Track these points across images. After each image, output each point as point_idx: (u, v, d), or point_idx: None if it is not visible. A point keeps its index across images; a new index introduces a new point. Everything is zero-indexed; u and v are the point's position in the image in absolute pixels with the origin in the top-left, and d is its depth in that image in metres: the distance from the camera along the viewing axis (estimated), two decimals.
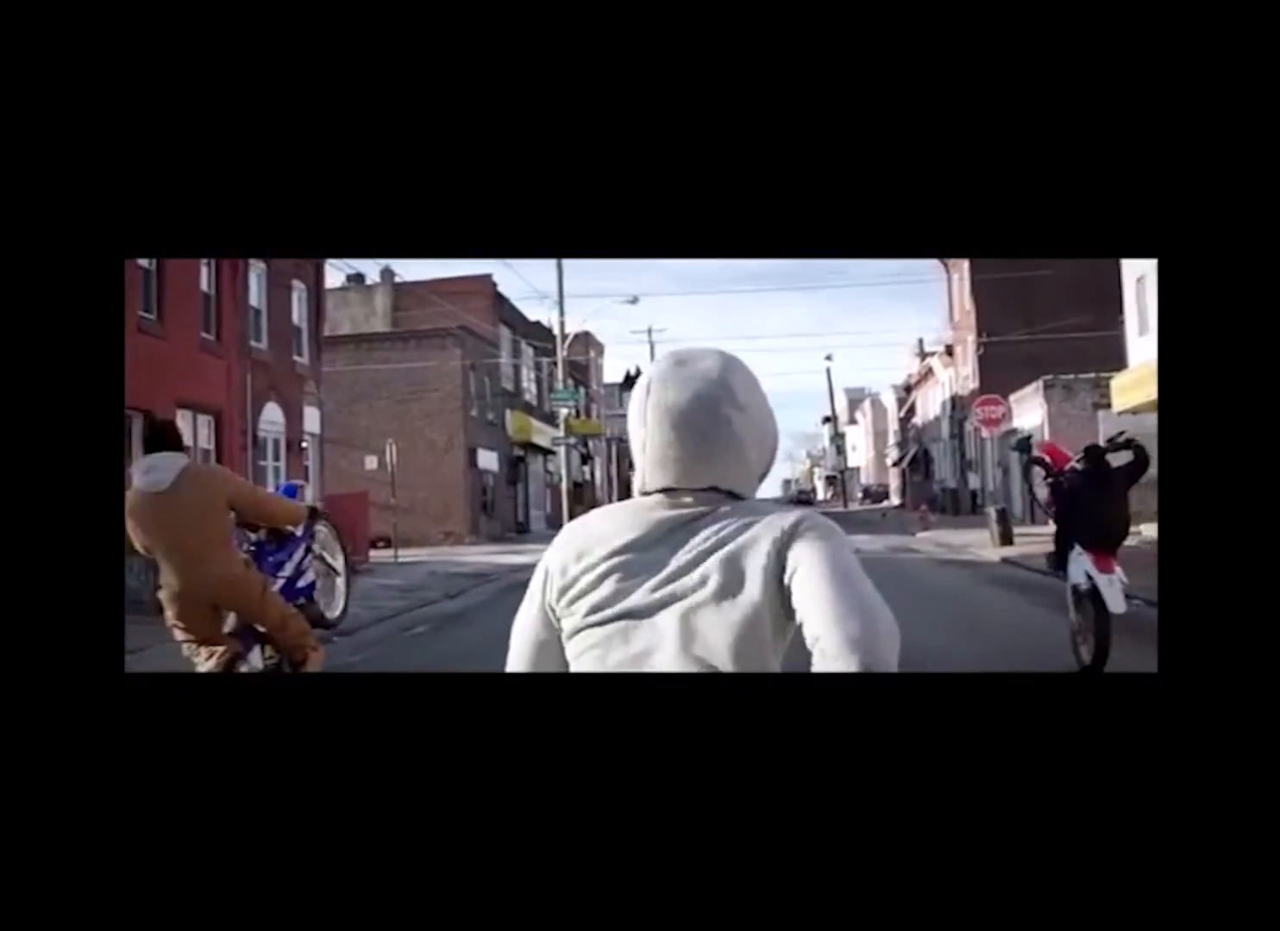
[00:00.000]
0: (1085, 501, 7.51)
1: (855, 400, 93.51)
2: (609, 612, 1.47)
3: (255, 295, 19.21)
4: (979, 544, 23.30)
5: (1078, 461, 7.81)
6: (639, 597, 1.46)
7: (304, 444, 21.48)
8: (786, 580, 1.42)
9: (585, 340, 51.93)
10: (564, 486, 30.97)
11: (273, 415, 20.14)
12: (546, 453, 39.32)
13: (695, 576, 1.45)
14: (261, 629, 4.72)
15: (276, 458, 20.48)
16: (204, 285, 17.29)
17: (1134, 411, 20.74)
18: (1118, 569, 7.21)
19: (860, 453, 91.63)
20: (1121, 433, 8.12)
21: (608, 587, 1.48)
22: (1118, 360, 26.22)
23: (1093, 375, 29.00)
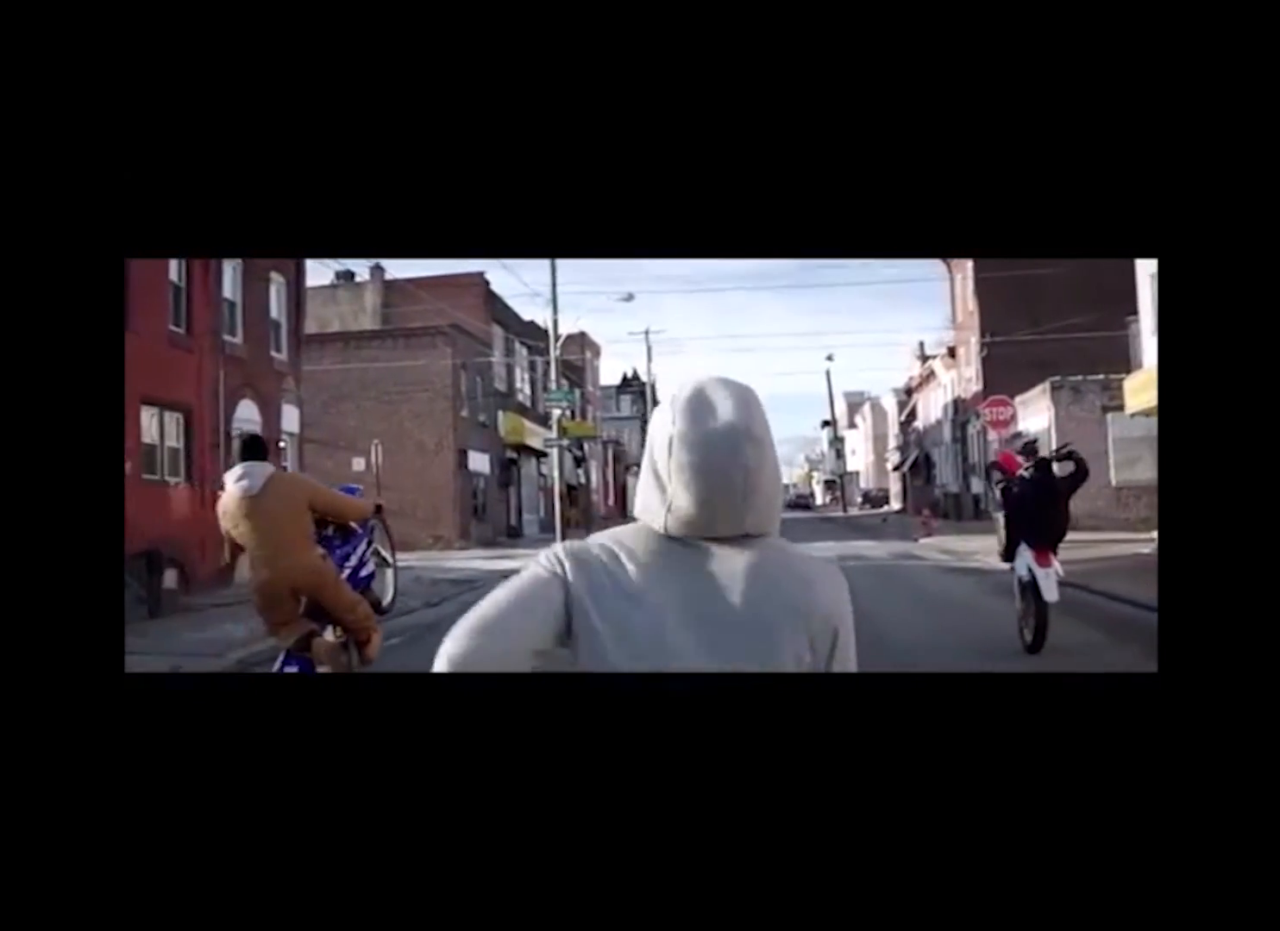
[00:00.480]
0: (1030, 505, 8.86)
1: (855, 404, 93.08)
2: (639, 650, 1.45)
3: (230, 287, 18.39)
4: (985, 551, 22.39)
5: (1025, 470, 9.07)
6: (672, 639, 1.45)
7: (281, 443, 20.49)
8: (810, 627, 1.47)
9: (581, 341, 51.19)
10: (556, 490, 30.03)
11: (248, 413, 19.22)
12: (540, 455, 38.55)
13: (728, 613, 1.46)
14: (333, 612, 5.48)
15: None
16: (174, 276, 16.33)
17: (1147, 413, 19.80)
18: (1054, 563, 8.59)
19: (860, 457, 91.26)
20: (1066, 445, 9.61)
21: (642, 628, 1.46)
22: (1124, 361, 25.96)
23: (1102, 376, 28.39)
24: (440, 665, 1.45)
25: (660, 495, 1.51)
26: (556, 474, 30.36)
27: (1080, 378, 28.44)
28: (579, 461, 47.69)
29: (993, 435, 24.10)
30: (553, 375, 30.97)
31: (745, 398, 1.51)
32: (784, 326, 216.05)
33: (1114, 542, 19.86)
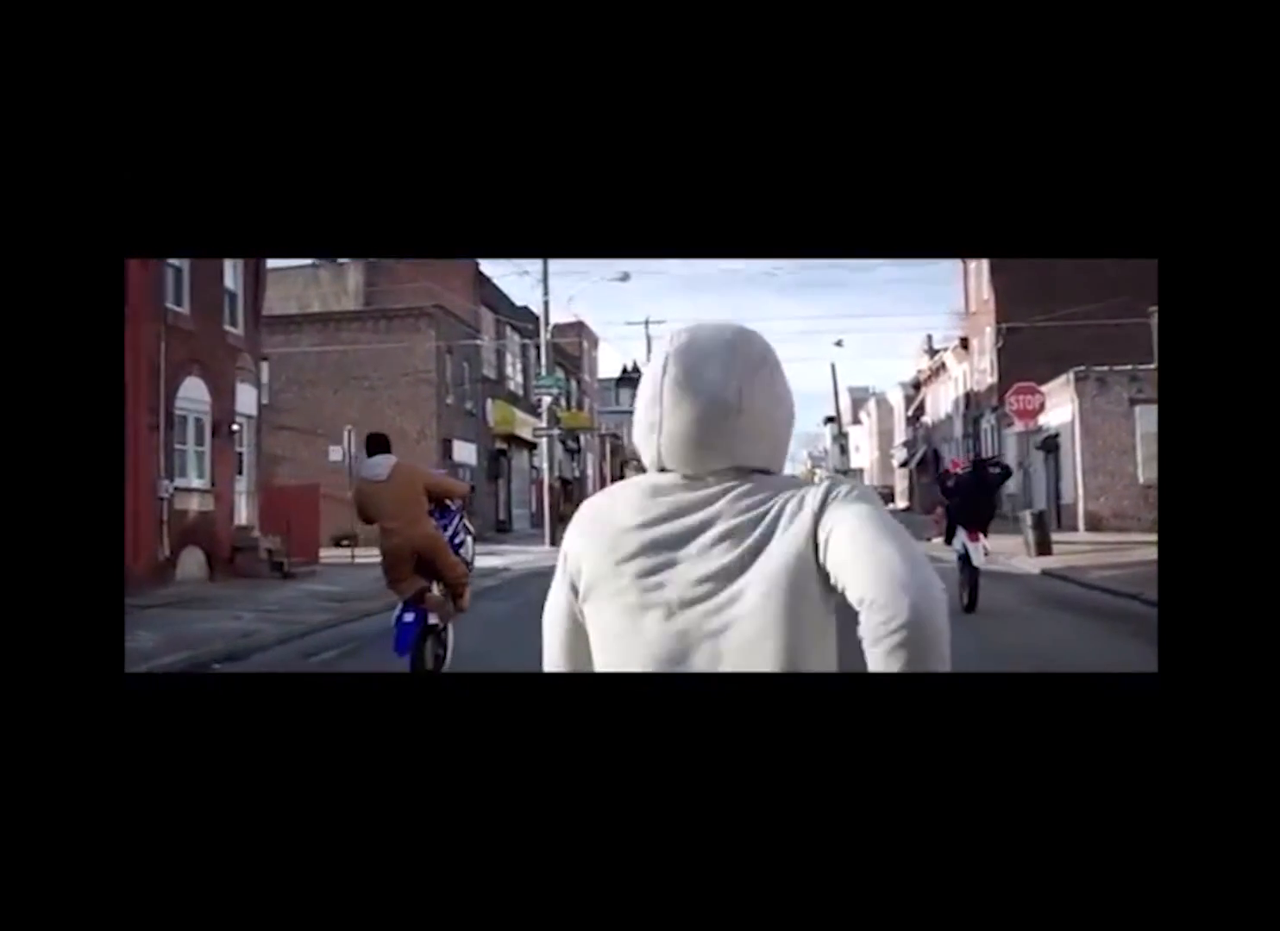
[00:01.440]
0: (967, 495, 12.12)
1: (859, 399, 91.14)
2: (647, 603, 1.47)
3: None
4: (1008, 552, 20.51)
5: (963, 469, 12.86)
6: (676, 591, 1.46)
7: (235, 427, 18.52)
8: (822, 552, 1.43)
9: (579, 331, 49.30)
10: (546, 482, 28.08)
11: (194, 392, 17.33)
12: (531, 446, 36.53)
13: (732, 562, 1.45)
14: (440, 571, 7.34)
15: (199, 441, 17.46)
16: None
17: None
18: (981, 539, 11.84)
19: (864, 454, 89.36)
20: (995, 457, 13.38)
21: (644, 582, 1.47)
22: (1146, 351, 25.13)
23: (1129, 367, 26.43)
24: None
25: (652, 424, 1.52)
26: (546, 466, 28.41)
27: (1106, 368, 27.25)
28: (573, 454, 45.76)
29: (1019, 425, 22.06)
30: (542, 359, 28.92)
31: (744, 331, 1.55)
32: (786, 322, 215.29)
33: (1148, 545, 17.88)
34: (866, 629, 1.33)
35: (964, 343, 42.24)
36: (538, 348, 32.80)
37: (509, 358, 38.19)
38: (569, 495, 42.64)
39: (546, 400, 27.79)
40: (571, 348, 47.05)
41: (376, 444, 7.58)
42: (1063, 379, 27.95)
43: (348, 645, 10.90)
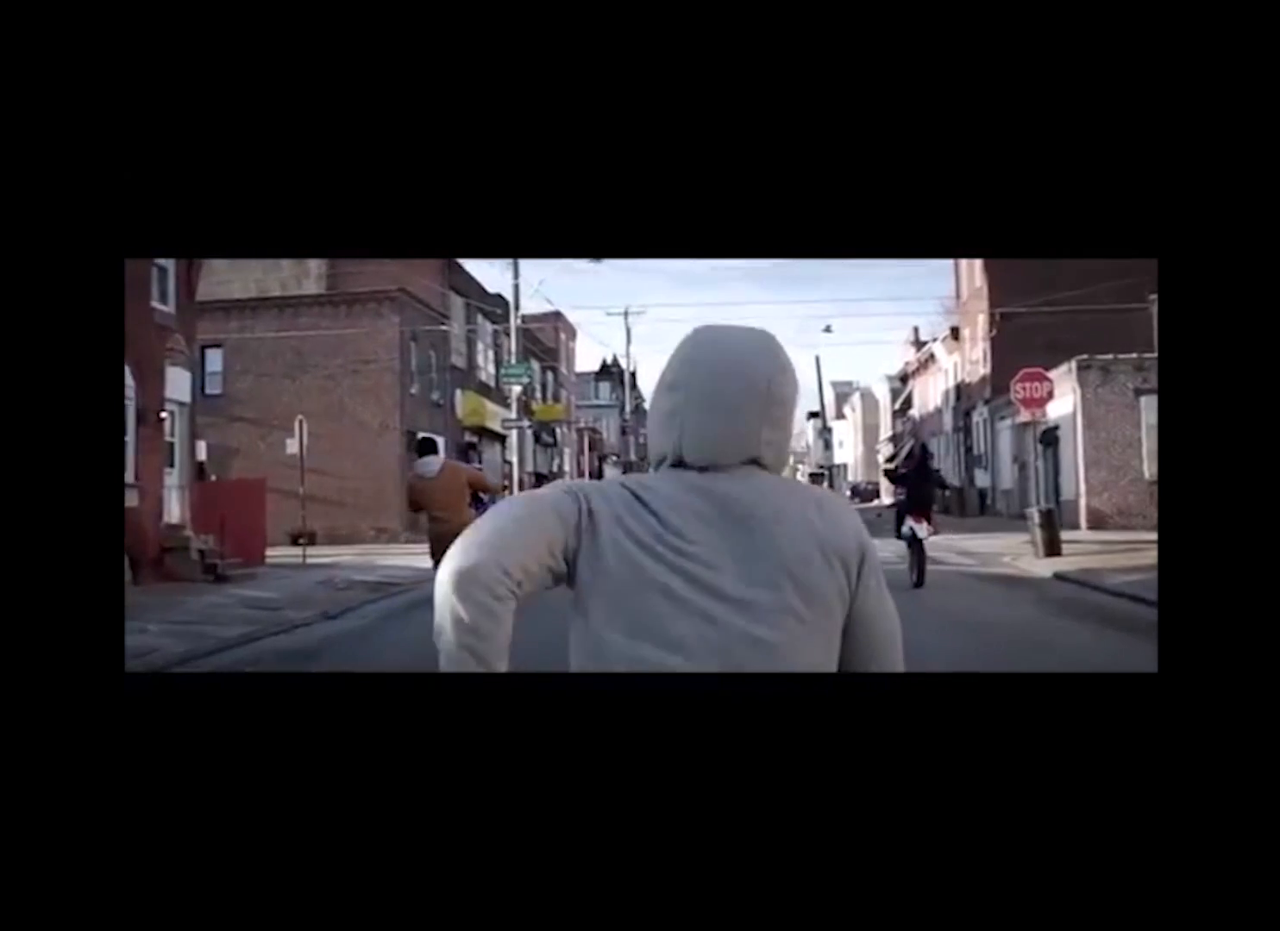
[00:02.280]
0: (913, 484, 14.50)
1: (843, 394, 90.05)
2: (672, 588, 1.45)
3: None
4: (1010, 552, 19.08)
5: (904, 463, 15.02)
6: (710, 582, 1.46)
7: (164, 415, 16.75)
8: (854, 602, 1.54)
9: (555, 321, 47.50)
10: (515, 476, 26.33)
11: None
12: (504, 439, 34.68)
13: (774, 571, 1.47)
14: None
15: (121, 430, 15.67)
16: None
17: None
18: (924, 522, 13.98)
19: (848, 449, 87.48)
20: (934, 461, 16.33)
21: (673, 564, 1.46)
22: (1149, 340, 24.16)
23: (1134, 356, 25.01)
24: (444, 584, 1.43)
25: (673, 419, 1.53)
26: (516, 460, 26.62)
27: (1111, 357, 25.98)
28: (549, 448, 43.98)
29: (1025, 415, 20.39)
30: (512, 346, 27.13)
31: (763, 332, 1.59)
32: (770, 310, 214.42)
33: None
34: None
35: (954, 333, 40.98)
36: (510, 335, 31.17)
37: (480, 346, 36.87)
38: None
39: (516, 389, 25.98)
40: (548, 338, 45.31)
41: (426, 446, 9.72)
42: (1064, 368, 26.80)
43: (259, 664, 9.57)
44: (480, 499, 9.48)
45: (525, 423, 27.11)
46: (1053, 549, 17.98)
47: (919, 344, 51.60)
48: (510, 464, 36.17)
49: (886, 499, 60.56)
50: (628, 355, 50.18)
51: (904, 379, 56.56)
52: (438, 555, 8.56)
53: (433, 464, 9.21)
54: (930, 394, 48.59)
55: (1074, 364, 26.44)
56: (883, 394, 69.88)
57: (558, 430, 46.26)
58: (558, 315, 47.82)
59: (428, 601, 1.52)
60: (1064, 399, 26.52)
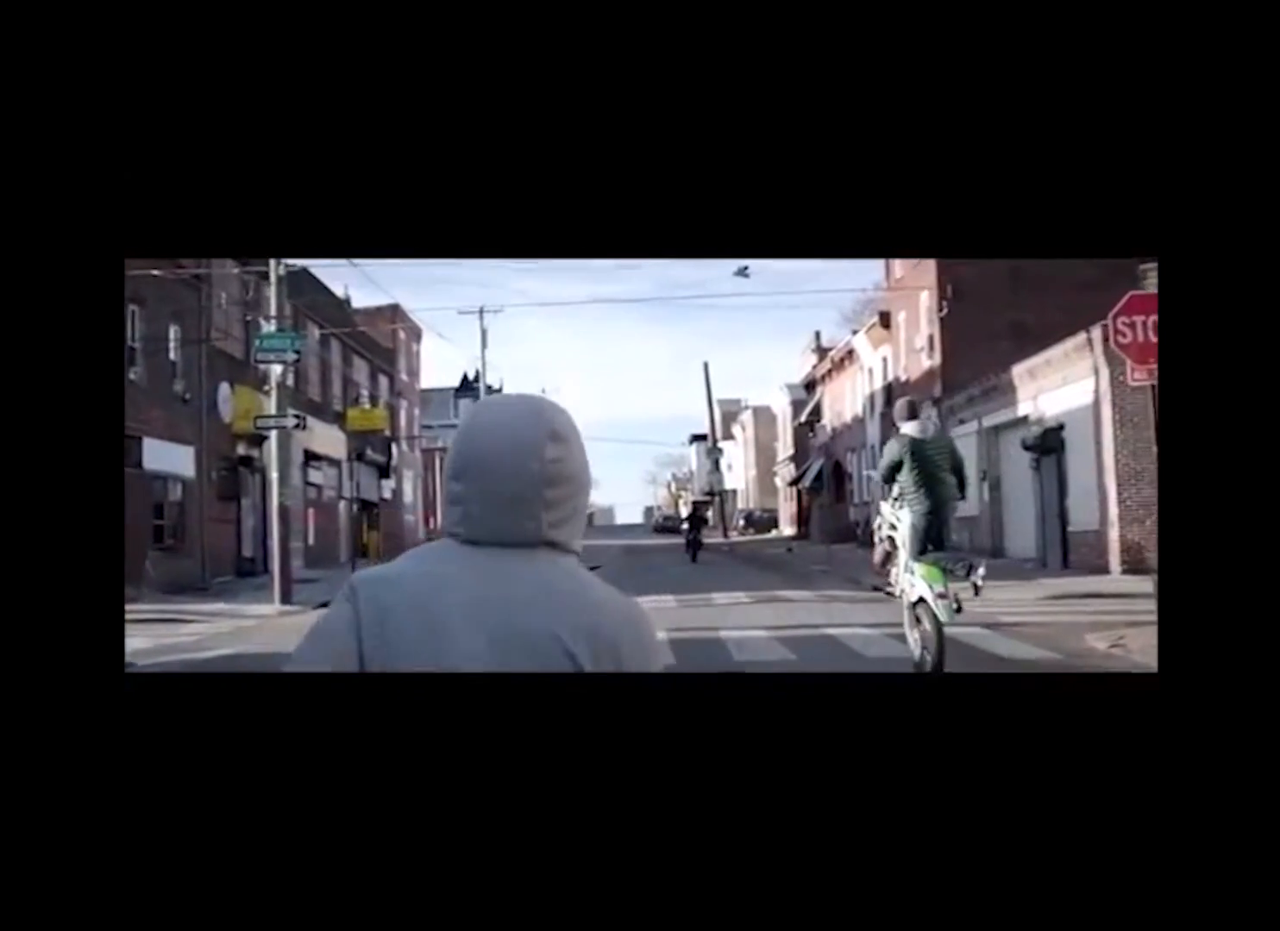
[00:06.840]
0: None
1: (730, 413, 75.31)
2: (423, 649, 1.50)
3: None
4: (1019, 602, 13.44)
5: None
6: (462, 643, 1.49)
7: None
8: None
9: (393, 315, 38.73)
10: (273, 505, 18.02)
11: None
12: (311, 458, 26.34)
13: (518, 631, 1.50)
14: None
15: None
16: None
17: None
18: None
19: (738, 473, 76.14)
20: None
21: (447, 654, 1.50)
22: None
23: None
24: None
25: (456, 509, 1.56)
26: (276, 475, 18.13)
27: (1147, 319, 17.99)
28: (382, 470, 35.29)
29: (1140, 375, 11.05)
30: (272, 307, 18.47)
31: (546, 402, 1.62)
32: (651, 346, 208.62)
33: None
34: None
35: (884, 319, 33.08)
36: (335, 336, 25.27)
37: (265, 328, 26.91)
38: (374, 523, 32.90)
39: (276, 370, 17.46)
40: (383, 337, 36.92)
41: None
42: (1073, 342, 18.68)
43: None
44: None
45: (290, 422, 18.39)
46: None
47: (821, 350, 44.70)
48: (321, 487, 27.92)
49: (788, 528, 52.00)
50: (482, 361, 40.44)
51: (809, 387, 48.16)
52: None
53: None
54: (846, 401, 39.88)
55: (1097, 333, 17.14)
56: (781, 407, 58.62)
57: (395, 449, 37.48)
58: (395, 309, 39.00)
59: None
60: (1076, 385, 18.84)
